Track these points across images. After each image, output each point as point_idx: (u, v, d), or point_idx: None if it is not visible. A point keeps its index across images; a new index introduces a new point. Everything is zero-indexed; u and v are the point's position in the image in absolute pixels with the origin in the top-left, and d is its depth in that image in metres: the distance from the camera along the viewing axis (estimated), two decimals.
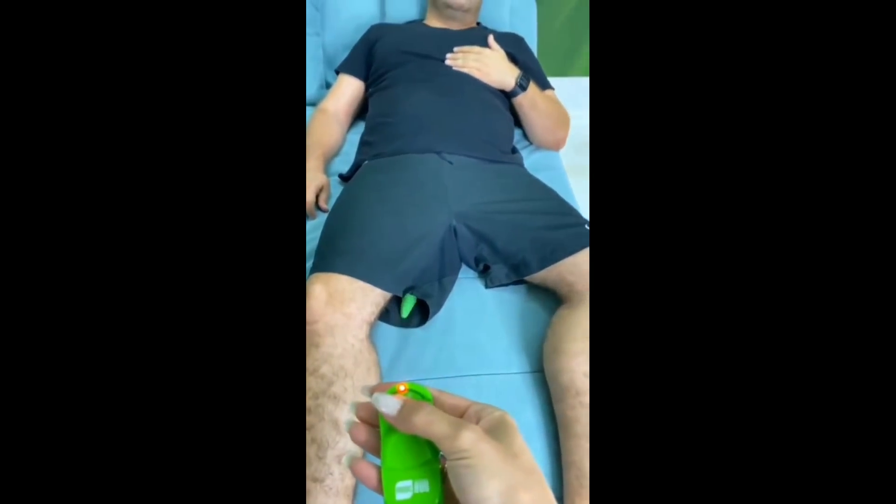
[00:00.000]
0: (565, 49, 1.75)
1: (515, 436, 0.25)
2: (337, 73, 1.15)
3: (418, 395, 0.29)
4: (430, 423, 0.25)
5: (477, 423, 0.26)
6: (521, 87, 1.02)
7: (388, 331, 0.73)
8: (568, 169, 1.43)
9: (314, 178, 0.94)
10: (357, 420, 0.30)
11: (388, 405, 0.27)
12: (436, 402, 0.28)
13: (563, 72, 1.80)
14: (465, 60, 1.00)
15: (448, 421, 0.25)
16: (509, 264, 0.76)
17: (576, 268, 0.70)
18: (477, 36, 1.08)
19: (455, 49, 1.03)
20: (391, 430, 0.28)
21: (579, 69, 1.81)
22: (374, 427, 0.29)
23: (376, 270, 0.67)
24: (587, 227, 0.75)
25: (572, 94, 1.81)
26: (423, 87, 0.97)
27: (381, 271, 0.67)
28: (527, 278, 0.76)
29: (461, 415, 0.27)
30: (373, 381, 0.62)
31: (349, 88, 1.12)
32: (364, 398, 0.29)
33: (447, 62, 1.01)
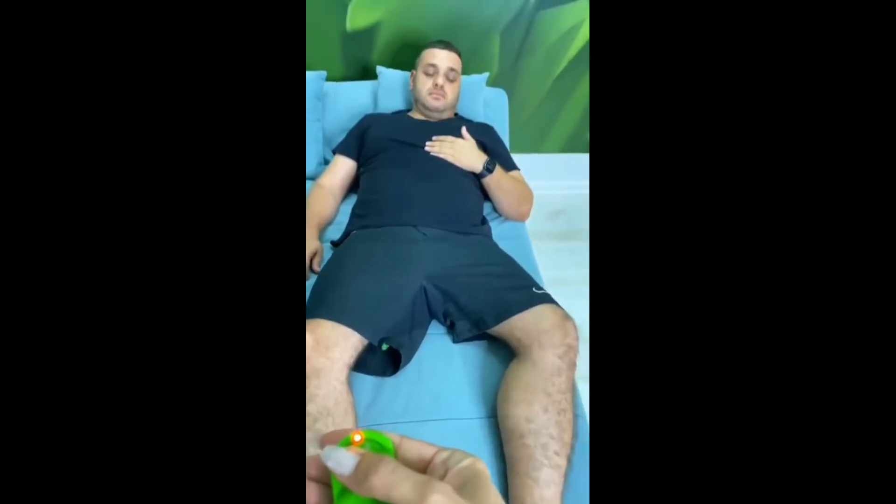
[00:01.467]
0: (536, 130, 1.98)
1: (488, 490, 0.22)
2: (334, 153, 1.34)
3: (377, 446, 0.24)
4: (392, 485, 0.21)
5: (445, 473, 0.23)
6: (488, 170, 1.20)
7: (364, 380, 0.85)
8: (541, 234, 1.58)
9: (310, 245, 1.09)
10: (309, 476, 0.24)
11: (341, 462, 0.22)
12: (398, 452, 0.25)
13: (535, 149, 2.02)
14: (440, 147, 1.20)
15: (412, 481, 0.21)
16: (471, 320, 0.89)
17: (524, 324, 0.82)
18: (453, 126, 1.28)
19: (433, 137, 1.22)
20: (345, 491, 0.22)
21: (549, 147, 2.03)
22: (326, 486, 0.24)
23: (357, 318, 0.79)
24: (536, 289, 0.89)
25: (544, 168, 2.03)
26: (404, 170, 1.15)
27: (360, 319, 0.80)
28: (487, 332, 0.88)
29: (427, 464, 0.24)
30: (349, 423, 0.71)
31: (343, 167, 1.30)
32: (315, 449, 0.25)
33: (426, 148, 1.20)
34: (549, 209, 2.01)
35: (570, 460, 0.70)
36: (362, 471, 0.22)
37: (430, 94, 1.29)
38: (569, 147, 2.03)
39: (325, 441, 0.25)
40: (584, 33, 1.76)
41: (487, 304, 0.88)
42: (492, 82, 1.74)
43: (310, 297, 0.90)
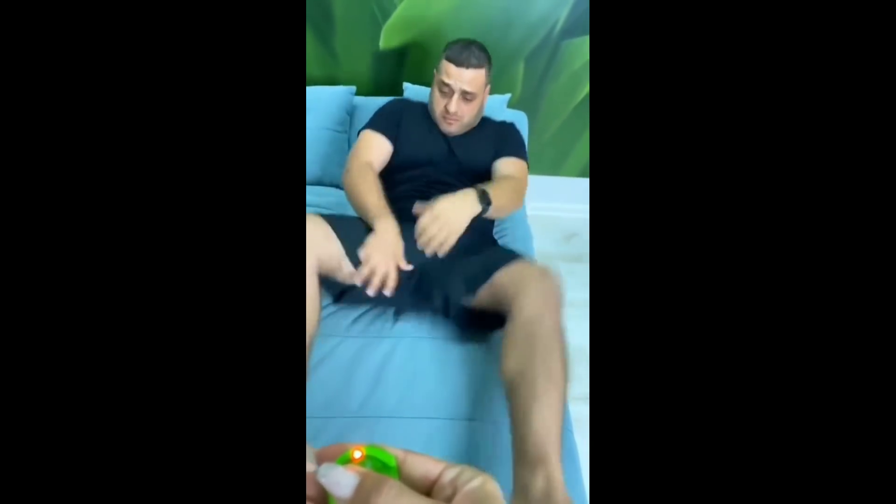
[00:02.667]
0: (555, 153, 2.02)
1: None
2: (367, 129, 1.25)
3: (379, 464, 0.22)
4: None
5: (453, 494, 0.21)
6: (485, 207, 1.03)
7: (363, 376, 0.90)
8: (553, 255, 1.61)
9: (393, 225, 0.98)
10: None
11: (340, 482, 0.20)
12: (402, 469, 0.22)
13: (553, 171, 2.06)
14: (431, 240, 0.95)
15: None
16: (462, 284, 0.94)
17: (505, 280, 0.87)
18: (474, 137, 1.26)
19: (417, 239, 0.96)
20: None
21: (567, 171, 2.07)
22: None
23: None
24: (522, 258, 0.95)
25: (561, 191, 2.07)
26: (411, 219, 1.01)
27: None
28: (478, 308, 0.93)
29: (433, 483, 0.22)
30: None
31: (384, 149, 1.22)
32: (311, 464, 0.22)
33: (419, 244, 0.97)
34: (563, 232, 2.04)
35: (564, 395, 0.71)
36: (364, 493, 0.20)
37: (444, 118, 1.19)
38: (586, 172, 2.07)
39: (321, 457, 0.22)
40: None
41: (476, 266, 0.94)
42: (514, 104, 1.80)
43: None
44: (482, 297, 0.92)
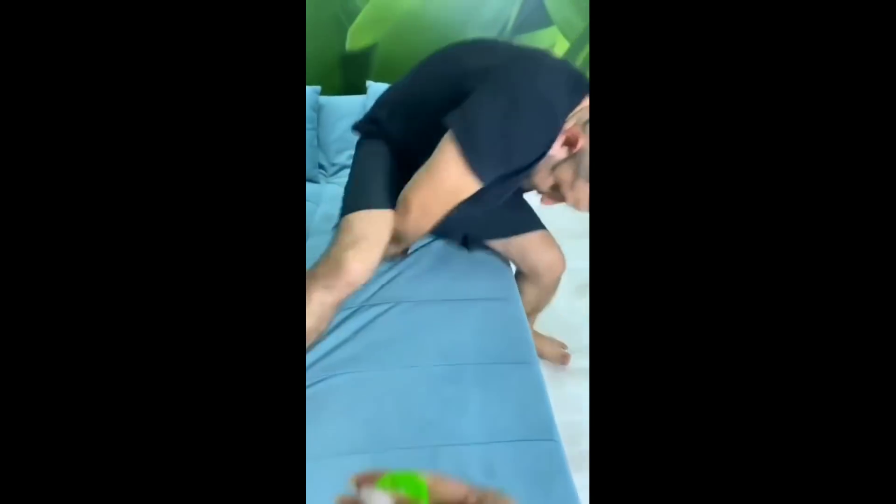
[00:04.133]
0: None
1: None
2: None
3: (411, 488, 0.25)
4: None
5: None
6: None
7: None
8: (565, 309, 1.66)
9: None
10: None
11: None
12: (431, 493, 0.25)
13: None
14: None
15: None
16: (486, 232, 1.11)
17: (529, 245, 1.09)
18: None
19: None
20: None
21: None
22: None
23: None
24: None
25: None
26: None
27: None
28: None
29: None
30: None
31: None
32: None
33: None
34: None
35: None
36: None
37: None
38: None
39: (360, 482, 0.25)
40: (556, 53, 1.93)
41: (505, 223, 1.09)
42: None
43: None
44: (496, 245, 1.12)
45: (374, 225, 0.85)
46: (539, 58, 0.78)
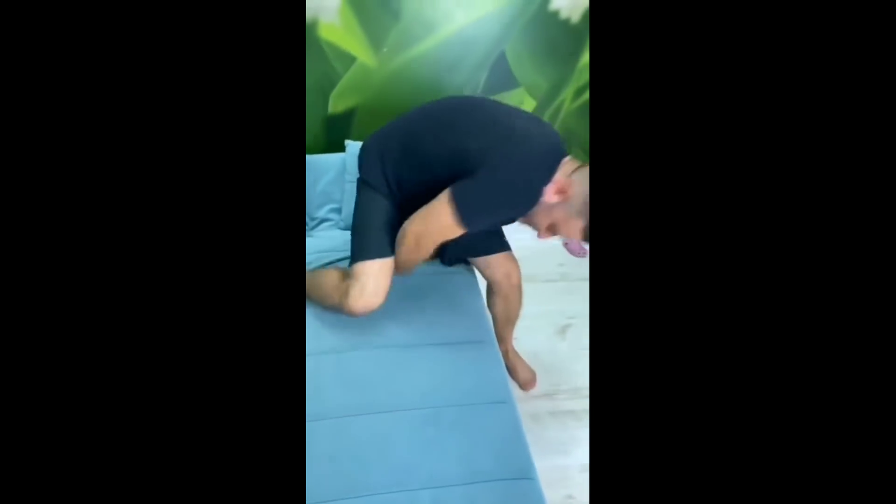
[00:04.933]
0: None
1: None
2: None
3: None
4: None
5: None
6: None
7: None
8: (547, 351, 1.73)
9: None
10: None
11: None
12: None
13: None
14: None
15: None
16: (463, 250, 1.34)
17: (495, 263, 1.32)
18: None
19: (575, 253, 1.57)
20: None
21: None
22: None
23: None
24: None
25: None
26: None
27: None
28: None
29: None
30: None
31: None
32: None
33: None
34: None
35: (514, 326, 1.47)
36: None
37: None
38: None
39: None
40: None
41: (480, 243, 1.32)
42: None
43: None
44: (474, 260, 1.37)
45: (379, 273, 1.08)
46: (529, 139, 0.96)
